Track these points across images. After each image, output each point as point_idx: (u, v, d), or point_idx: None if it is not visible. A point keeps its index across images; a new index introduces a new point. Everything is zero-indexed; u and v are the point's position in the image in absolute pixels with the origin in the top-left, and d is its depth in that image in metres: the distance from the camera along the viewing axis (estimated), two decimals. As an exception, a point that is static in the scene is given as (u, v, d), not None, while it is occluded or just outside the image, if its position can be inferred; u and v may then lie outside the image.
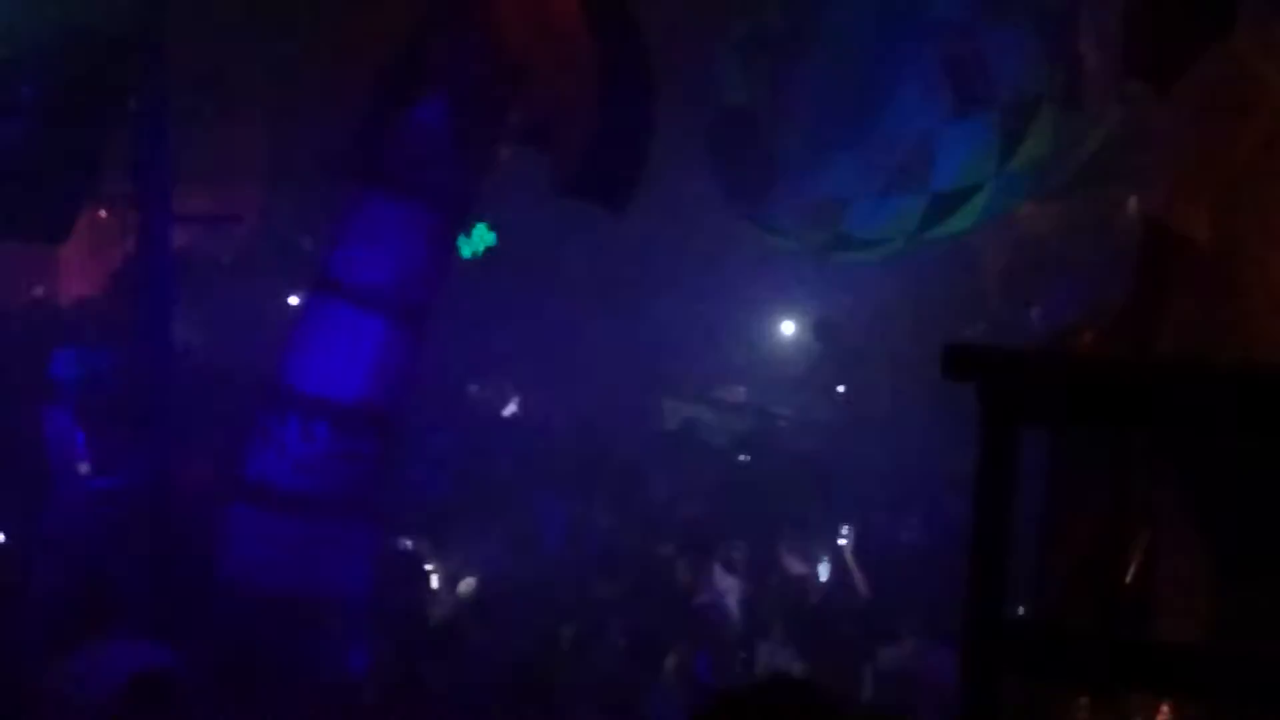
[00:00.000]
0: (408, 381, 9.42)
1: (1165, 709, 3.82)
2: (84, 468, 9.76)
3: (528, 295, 13.50)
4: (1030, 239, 13.30)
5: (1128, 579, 3.88)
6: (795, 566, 9.76)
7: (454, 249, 10.09)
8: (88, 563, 8.64)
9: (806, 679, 2.80)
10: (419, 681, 7.09)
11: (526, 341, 13.56)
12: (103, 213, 12.04)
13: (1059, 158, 10.09)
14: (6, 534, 9.32)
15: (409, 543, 9.58)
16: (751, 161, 10.10)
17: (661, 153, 9.53)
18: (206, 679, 7.02)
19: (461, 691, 7.18)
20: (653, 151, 9.47)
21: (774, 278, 13.28)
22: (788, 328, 14.35)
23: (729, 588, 9.33)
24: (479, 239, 13.91)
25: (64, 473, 9.57)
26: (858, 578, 9.59)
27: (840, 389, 13.17)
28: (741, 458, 12.07)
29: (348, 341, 9.08)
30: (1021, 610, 3.69)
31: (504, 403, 13.78)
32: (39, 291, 14.06)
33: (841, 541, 9.75)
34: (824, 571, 9.90)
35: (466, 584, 9.43)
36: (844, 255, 10.78)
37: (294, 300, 12.10)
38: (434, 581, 9.44)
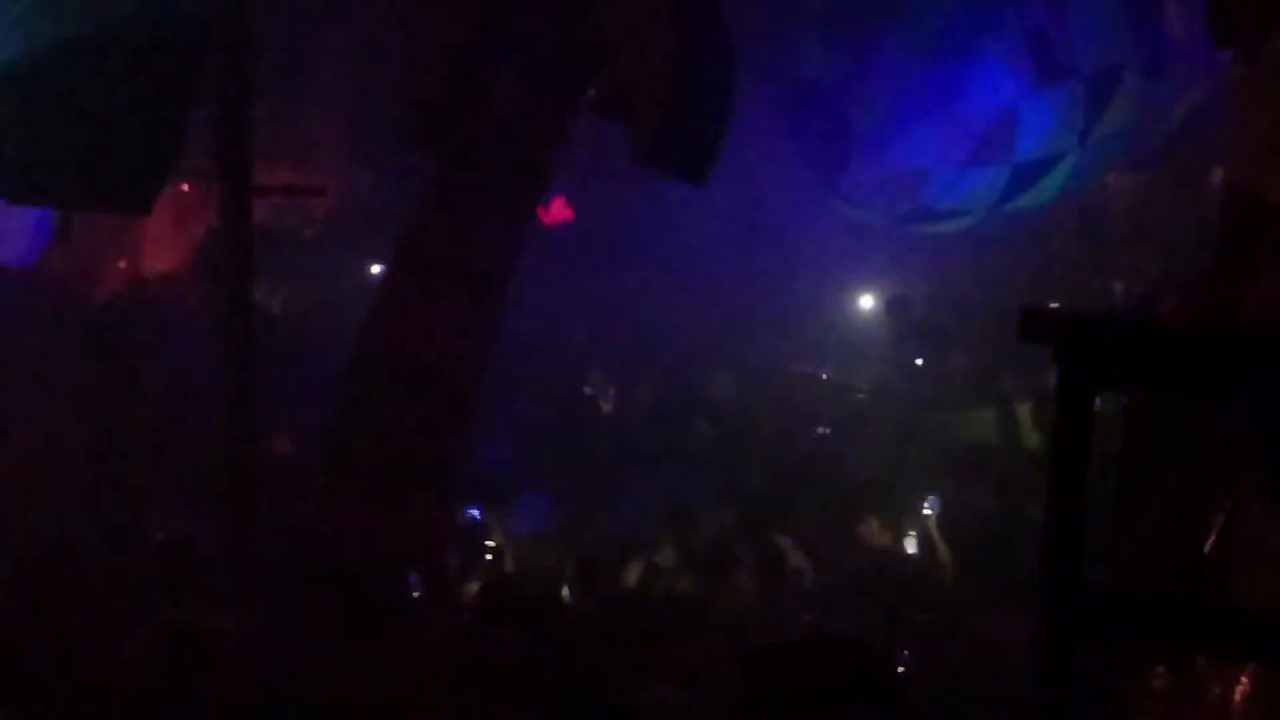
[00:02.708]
0: (486, 353, 9.49)
1: (1244, 679, 3.80)
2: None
3: (603, 272, 13.53)
4: (1114, 211, 13.16)
5: (1207, 549, 3.86)
6: (879, 538, 9.78)
7: (533, 222, 10.11)
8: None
9: (850, 635, 2.81)
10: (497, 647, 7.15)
11: (603, 318, 13.58)
12: (185, 187, 12.17)
13: (1143, 127, 10.00)
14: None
15: (476, 514, 9.67)
16: (829, 132, 10.08)
17: (738, 125, 9.51)
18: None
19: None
20: (731, 125, 9.45)
21: (850, 253, 13.22)
22: (866, 302, 14.29)
23: (803, 567, 9.34)
24: (558, 213, 13.94)
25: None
26: (941, 550, 9.59)
27: (918, 362, 13.10)
28: (820, 430, 12.06)
29: (427, 312, 9.16)
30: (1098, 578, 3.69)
31: (583, 380, 13.81)
32: (123, 264, 14.23)
33: (926, 512, 9.76)
34: (910, 545, 9.91)
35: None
36: (922, 227, 10.75)
37: (376, 270, 12.19)
38: (505, 556, 9.52)
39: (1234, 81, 3.82)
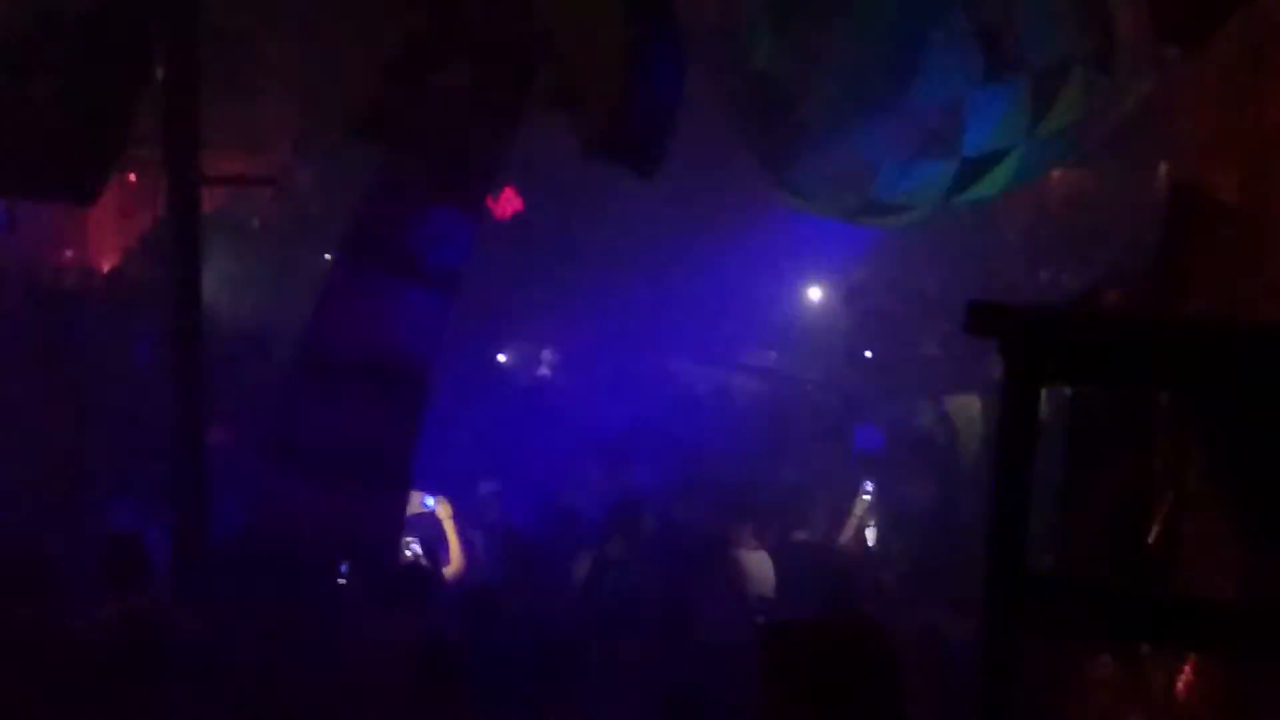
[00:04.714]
0: (437, 344, 9.46)
1: (1188, 668, 3.84)
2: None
3: (553, 263, 13.52)
4: (1060, 204, 13.26)
5: (1152, 539, 3.90)
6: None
7: (483, 213, 10.10)
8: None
9: (858, 615, 2.92)
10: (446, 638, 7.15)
11: (553, 308, 13.59)
12: (132, 176, 12.09)
13: (1090, 123, 10.05)
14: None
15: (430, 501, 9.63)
16: (780, 126, 10.08)
17: (688, 118, 9.51)
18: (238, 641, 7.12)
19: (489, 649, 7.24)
20: (680, 119, 9.45)
21: (802, 245, 13.27)
22: (815, 294, 14.36)
23: (759, 558, 9.38)
24: (506, 204, 13.92)
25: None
26: (868, 533, 9.79)
27: (867, 354, 13.19)
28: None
29: (377, 304, 9.13)
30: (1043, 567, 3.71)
31: (535, 367, 13.84)
32: (69, 255, 14.13)
33: (865, 498, 9.94)
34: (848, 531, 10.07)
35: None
36: (871, 220, 10.76)
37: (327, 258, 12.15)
38: (455, 540, 9.49)
39: (1180, 78, 3.86)
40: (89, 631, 6.89)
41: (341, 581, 8.41)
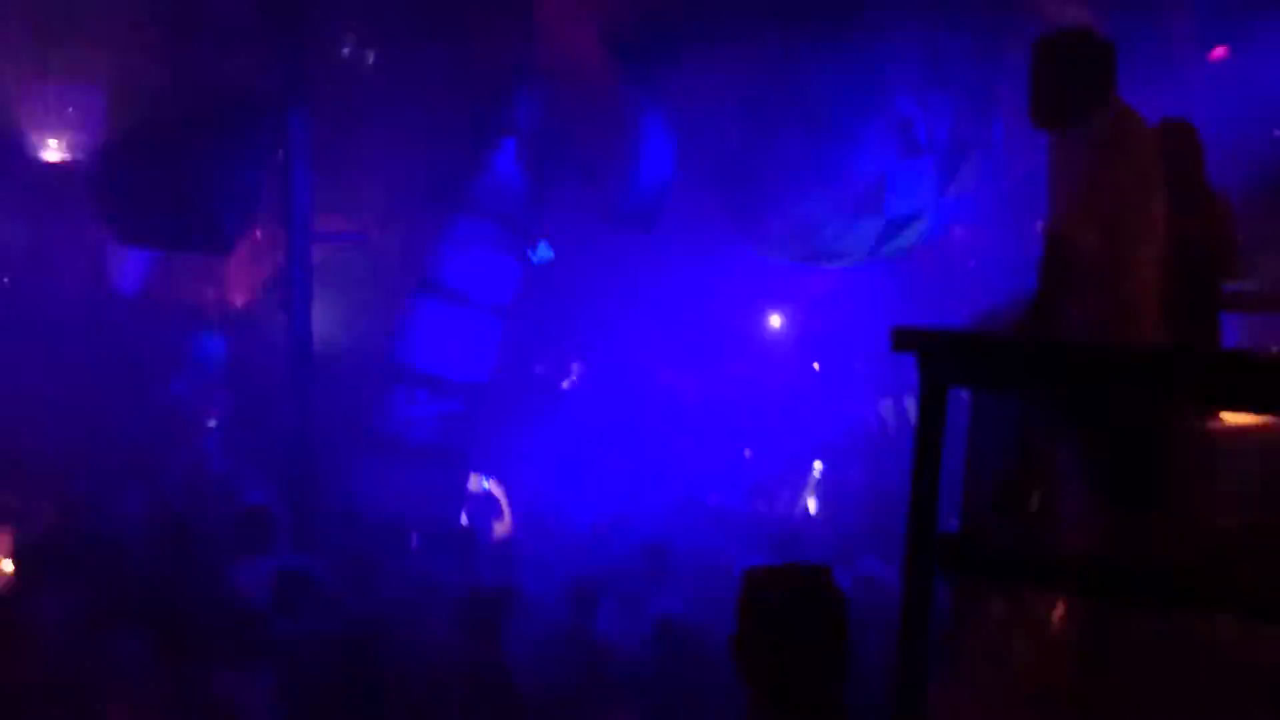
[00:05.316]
0: (491, 359, 9.46)
1: (1060, 605, 3.81)
2: (211, 421, 9.87)
3: (579, 297, 13.48)
4: (963, 252, 13.20)
5: (1032, 506, 3.87)
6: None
7: (524, 260, 10.10)
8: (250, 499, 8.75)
9: (816, 565, 2.88)
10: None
11: (579, 331, 13.54)
12: (259, 233, 12.06)
13: (982, 190, 10.05)
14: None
15: (487, 483, 9.60)
16: (749, 194, 10.08)
17: (679, 187, 9.52)
18: (337, 581, 7.06)
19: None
20: (671, 187, 9.47)
21: (766, 282, 13.22)
22: (776, 320, 14.29)
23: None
24: (542, 253, 13.87)
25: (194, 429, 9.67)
26: (813, 504, 9.78)
27: (815, 364, 13.13)
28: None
29: (444, 329, 9.13)
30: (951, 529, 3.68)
31: (565, 377, 13.77)
32: (212, 293, 14.09)
33: (815, 475, 9.93)
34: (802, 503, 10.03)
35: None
36: (818, 264, 10.75)
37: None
38: (506, 509, 9.47)
39: (1050, 155, 3.84)
40: (249, 585, 6.71)
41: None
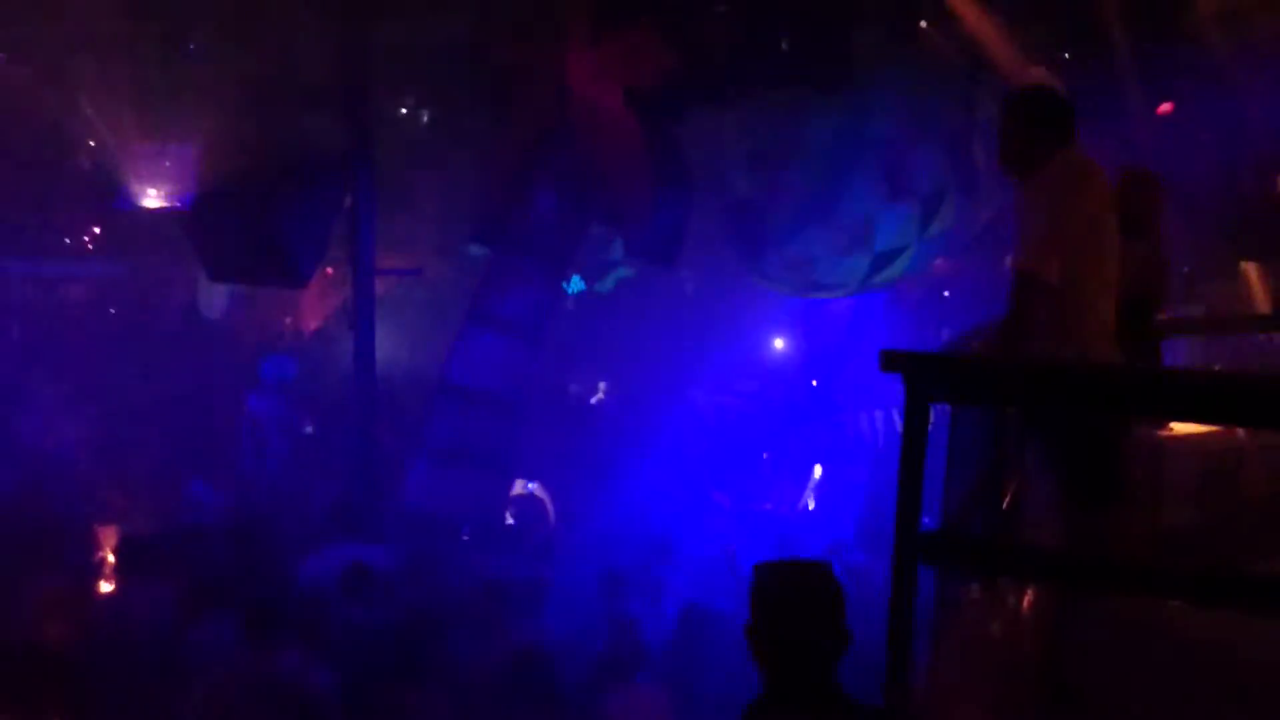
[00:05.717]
0: (528, 378, 9.49)
1: (1030, 592, 3.81)
2: (287, 433, 9.91)
3: (608, 322, 13.51)
4: (941, 283, 13.19)
5: (1004, 505, 3.87)
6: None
7: (561, 292, 10.13)
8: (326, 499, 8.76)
9: (819, 560, 2.87)
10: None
11: (608, 354, 13.55)
12: (329, 269, 12.15)
13: (960, 228, 10.05)
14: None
15: (532, 485, 9.61)
16: (752, 233, 10.11)
17: (695, 227, 9.56)
18: (397, 571, 7.08)
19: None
20: (688, 227, 9.51)
21: (770, 310, 13.22)
22: (779, 343, 14.28)
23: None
24: (575, 285, 13.92)
25: (269, 440, 9.69)
26: (810, 502, 9.77)
27: (813, 382, 13.11)
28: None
29: (490, 352, 9.17)
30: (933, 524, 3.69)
31: (594, 393, 13.80)
32: (288, 321, 14.20)
33: (815, 476, 9.91)
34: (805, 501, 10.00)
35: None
36: (815, 295, 10.77)
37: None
38: (550, 509, 9.47)
39: (1017, 197, 3.85)
40: (320, 575, 6.57)
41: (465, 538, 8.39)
